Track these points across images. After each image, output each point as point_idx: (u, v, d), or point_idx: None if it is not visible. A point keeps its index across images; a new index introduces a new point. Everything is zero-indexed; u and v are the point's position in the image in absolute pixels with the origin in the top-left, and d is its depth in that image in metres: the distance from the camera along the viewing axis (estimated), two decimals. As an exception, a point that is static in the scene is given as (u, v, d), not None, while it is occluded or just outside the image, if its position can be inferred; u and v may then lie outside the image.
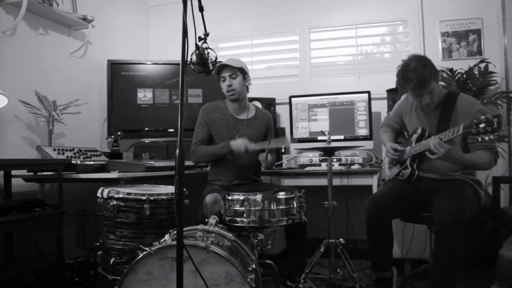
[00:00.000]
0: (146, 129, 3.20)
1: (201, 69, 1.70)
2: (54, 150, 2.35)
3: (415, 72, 1.89)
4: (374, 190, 2.63)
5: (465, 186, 1.98)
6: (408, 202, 2.05)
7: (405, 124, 2.27)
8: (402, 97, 2.31)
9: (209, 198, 2.19)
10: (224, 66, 2.40)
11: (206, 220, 1.79)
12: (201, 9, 1.44)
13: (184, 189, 1.68)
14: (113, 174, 2.25)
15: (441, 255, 1.76)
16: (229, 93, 2.42)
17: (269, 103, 3.26)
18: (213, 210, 2.12)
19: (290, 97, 3.21)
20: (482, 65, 2.88)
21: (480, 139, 1.66)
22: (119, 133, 2.89)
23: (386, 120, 2.43)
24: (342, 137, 3.08)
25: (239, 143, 2.31)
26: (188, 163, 2.34)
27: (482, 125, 1.63)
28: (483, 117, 1.64)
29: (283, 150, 3.19)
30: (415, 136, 2.10)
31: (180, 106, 1.23)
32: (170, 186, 2.17)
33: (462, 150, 1.94)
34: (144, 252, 1.47)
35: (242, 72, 2.42)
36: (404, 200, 2.04)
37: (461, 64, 3.00)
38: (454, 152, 1.79)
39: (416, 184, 2.10)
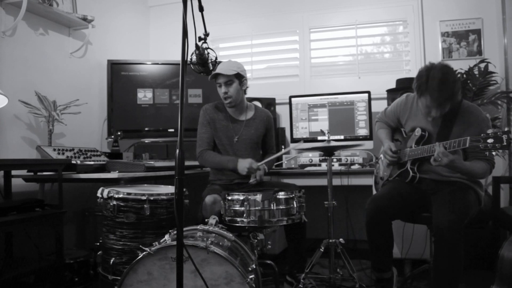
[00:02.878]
0: (146, 129, 3.20)
1: (201, 69, 1.70)
2: (54, 150, 2.35)
3: (444, 84, 1.79)
4: (374, 189, 2.63)
5: (465, 189, 1.97)
6: (408, 203, 2.04)
7: (401, 124, 2.26)
8: (401, 97, 2.27)
9: (208, 199, 2.19)
10: (219, 74, 2.37)
11: (206, 220, 1.79)
12: (201, 9, 1.44)
13: (184, 189, 1.68)
14: (113, 174, 2.25)
15: (441, 263, 1.76)
16: (226, 100, 2.43)
17: (269, 103, 3.26)
18: (213, 210, 2.12)
19: (290, 97, 3.21)
20: (482, 65, 2.88)
21: (488, 154, 1.65)
22: (119, 133, 2.89)
23: (383, 116, 2.38)
24: (342, 137, 3.08)
25: (244, 165, 2.28)
26: (188, 163, 2.34)
27: (490, 141, 1.59)
28: (490, 131, 1.61)
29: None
30: (414, 137, 2.08)
31: (180, 106, 1.23)
32: (170, 186, 2.17)
33: (462, 158, 1.94)
34: (144, 252, 1.47)
35: (237, 76, 2.40)
36: (404, 201, 2.03)
37: (461, 64, 3.00)
38: (456, 162, 1.79)
39: (417, 185, 2.09)
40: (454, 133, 1.95)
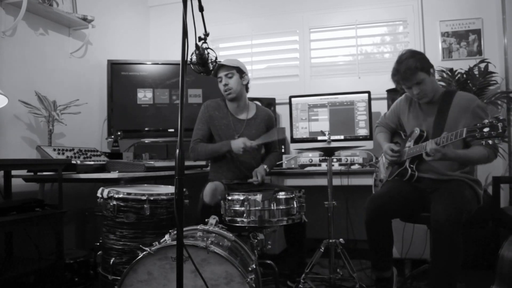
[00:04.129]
0: (146, 129, 3.20)
1: (201, 69, 1.70)
2: (54, 150, 2.35)
3: (401, 63, 1.98)
4: (373, 192, 2.63)
5: (463, 186, 1.98)
6: (407, 202, 2.05)
7: (402, 124, 2.27)
8: (401, 97, 2.31)
9: (209, 185, 2.19)
10: (220, 67, 2.40)
11: (206, 220, 1.79)
12: (201, 9, 1.44)
13: (184, 189, 1.68)
14: (113, 174, 2.25)
15: (439, 257, 1.76)
16: (226, 92, 2.43)
17: (269, 103, 3.26)
18: (214, 196, 2.12)
19: (290, 97, 3.21)
20: (482, 65, 2.88)
21: (484, 143, 1.66)
22: (119, 133, 2.89)
23: (383, 120, 2.42)
24: (342, 137, 3.08)
25: (238, 142, 2.32)
26: (188, 163, 2.34)
27: (486, 129, 1.61)
28: (486, 121, 1.62)
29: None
30: (413, 137, 2.10)
31: (180, 106, 1.23)
32: (170, 186, 2.17)
33: (462, 146, 1.95)
34: (144, 252, 1.47)
35: (238, 71, 2.42)
36: (404, 200, 2.04)
37: (461, 64, 3.00)
38: (448, 154, 1.82)
39: (416, 184, 2.10)
40: (449, 122, 1.98)
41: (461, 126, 1.92)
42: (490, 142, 1.62)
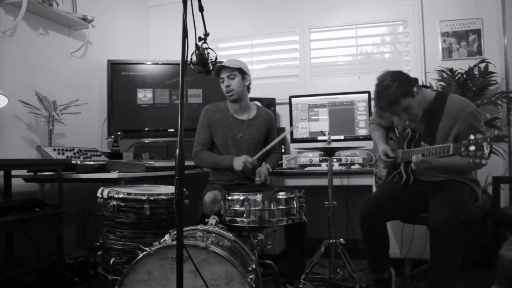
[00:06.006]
0: (146, 129, 3.20)
1: (201, 69, 1.70)
2: (54, 150, 2.35)
3: (381, 95, 1.89)
4: (374, 190, 2.63)
5: (462, 187, 1.97)
6: (403, 204, 2.04)
7: (395, 123, 2.25)
8: None
9: (208, 196, 2.19)
10: (222, 67, 2.40)
11: (206, 220, 1.79)
12: (201, 9, 1.44)
13: (184, 189, 1.68)
14: (113, 174, 2.25)
15: (438, 257, 1.76)
16: (228, 93, 2.43)
17: (269, 103, 3.26)
18: (213, 208, 2.12)
19: (290, 97, 3.21)
20: (482, 65, 2.88)
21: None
22: (119, 133, 2.89)
23: (375, 117, 2.39)
24: (342, 137, 3.08)
25: (239, 160, 2.32)
26: (188, 163, 2.34)
27: (472, 148, 1.58)
28: (472, 137, 1.59)
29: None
30: (406, 138, 2.08)
31: (180, 106, 1.23)
32: (170, 186, 2.17)
33: None
34: (144, 252, 1.47)
35: (240, 72, 2.42)
36: (399, 202, 2.03)
37: (461, 64, 3.00)
38: (432, 163, 1.81)
39: (412, 186, 2.09)
40: (440, 129, 1.95)
41: (452, 136, 1.91)
42: (477, 161, 1.59)
